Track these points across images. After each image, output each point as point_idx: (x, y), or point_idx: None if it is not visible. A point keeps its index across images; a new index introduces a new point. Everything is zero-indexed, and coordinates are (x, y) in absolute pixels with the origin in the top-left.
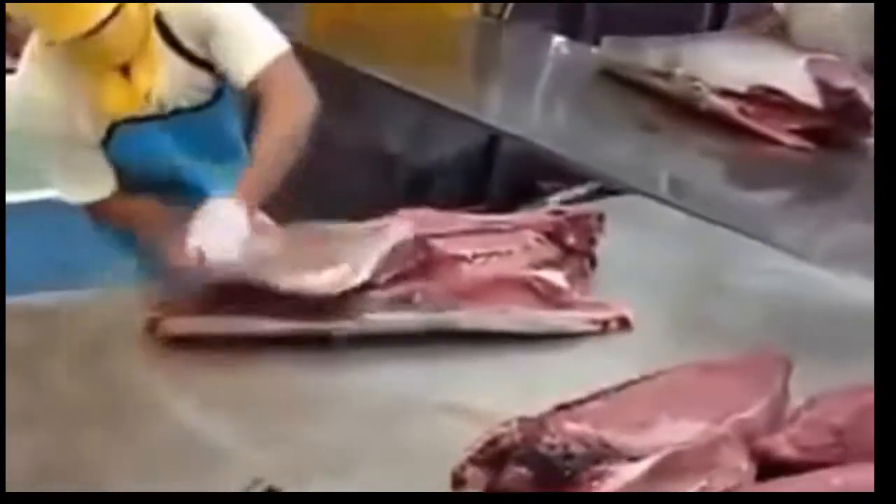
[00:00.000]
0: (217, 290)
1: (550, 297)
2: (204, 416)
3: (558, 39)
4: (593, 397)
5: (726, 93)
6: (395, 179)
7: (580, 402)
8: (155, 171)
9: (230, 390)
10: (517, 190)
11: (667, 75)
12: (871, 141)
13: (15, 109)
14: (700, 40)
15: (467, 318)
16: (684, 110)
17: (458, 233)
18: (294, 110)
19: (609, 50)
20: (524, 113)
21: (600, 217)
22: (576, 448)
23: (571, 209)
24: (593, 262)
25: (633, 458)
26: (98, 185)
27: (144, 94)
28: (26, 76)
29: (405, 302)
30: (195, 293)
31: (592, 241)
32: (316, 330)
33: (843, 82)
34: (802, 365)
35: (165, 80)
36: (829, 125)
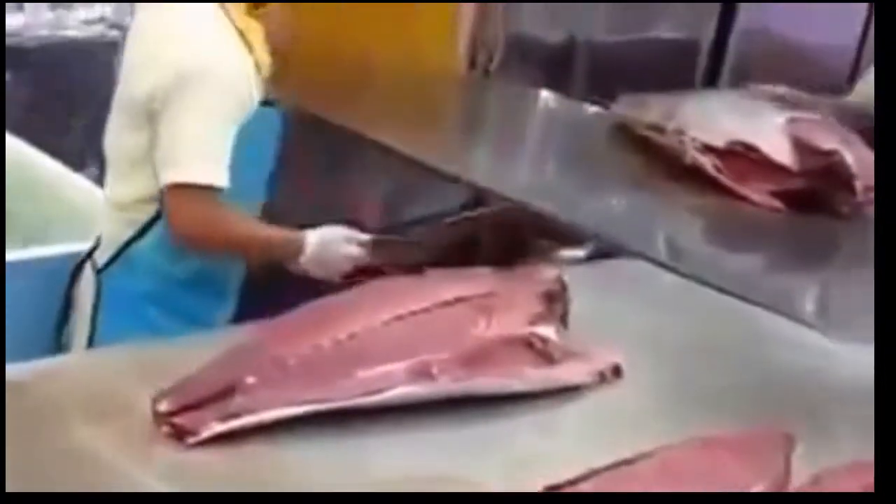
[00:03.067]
0: (227, 381)
1: (546, 353)
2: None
3: (546, 94)
4: (584, 477)
5: (707, 148)
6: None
7: (571, 482)
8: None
9: (221, 473)
10: (506, 251)
11: (661, 129)
12: (857, 203)
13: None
14: (701, 96)
15: (483, 385)
16: (675, 166)
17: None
18: None
19: (622, 107)
20: (512, 171)
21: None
22: None
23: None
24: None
25: None
26: None
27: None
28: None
29: (424, 374)
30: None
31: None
32: (332, 409)
33: (826, 143)
34: (805, 440)
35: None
36: (807, 187)
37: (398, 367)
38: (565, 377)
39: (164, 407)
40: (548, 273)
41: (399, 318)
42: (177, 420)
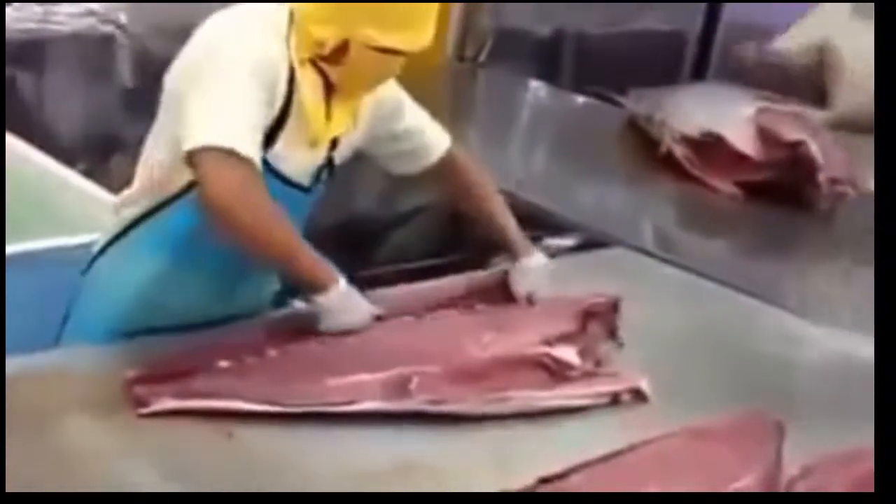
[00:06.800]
0: (201, 361)
1: (562, 373)
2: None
3: (535, 84)
4: (577, 469)
5: (683, 138)
6: (364, 234)
7: (563, 474)
8: None
9: (200, 463)
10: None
11: (650, 120)
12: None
13: None
14: (687, 87)
15: (465, 407)
16: (658, 155)
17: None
18: None
19: (631, 102)
20: (500, 160)
21: (616, 305)
22: None
23: (588, 300)
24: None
25: None
26: None
27: None
28: None
29: (400, 388)
30: (179, 359)
31: (614, 328)
32: (299, 412)
33: (792, 134)
34: (796, 428)
35: None
36: (772, 177)
37: (373, 378)
38: (567, 401)
39: (130, 374)
40: (597, 295)
41: (403, 325)
42: (136, 389)
